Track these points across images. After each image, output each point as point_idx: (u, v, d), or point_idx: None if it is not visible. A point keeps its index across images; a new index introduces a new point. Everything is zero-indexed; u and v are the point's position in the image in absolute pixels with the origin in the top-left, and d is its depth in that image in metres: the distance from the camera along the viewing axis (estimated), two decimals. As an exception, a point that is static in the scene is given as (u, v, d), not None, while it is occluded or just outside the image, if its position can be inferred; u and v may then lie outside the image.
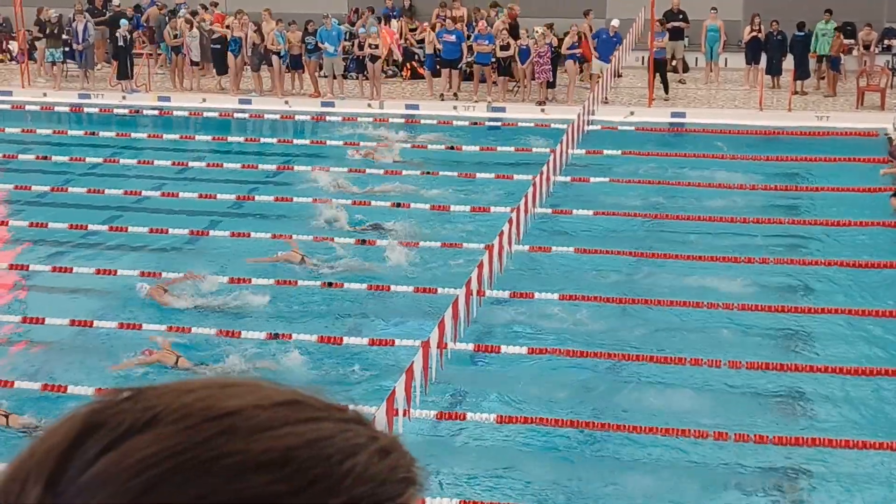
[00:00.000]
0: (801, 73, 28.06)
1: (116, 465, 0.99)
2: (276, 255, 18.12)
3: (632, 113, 26.67)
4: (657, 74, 27.41)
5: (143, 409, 1.03)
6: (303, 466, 1.02)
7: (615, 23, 27.83)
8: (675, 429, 12.86)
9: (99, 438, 1.01)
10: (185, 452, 1.00)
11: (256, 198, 20.87)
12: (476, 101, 27.75)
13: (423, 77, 29.07)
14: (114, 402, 1.05)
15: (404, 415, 11.92)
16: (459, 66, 28.35)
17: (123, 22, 28.98)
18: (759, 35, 28.28)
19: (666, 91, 27.75)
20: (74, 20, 28.86)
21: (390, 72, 29.56)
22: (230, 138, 24.61)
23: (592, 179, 21.44)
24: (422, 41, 29.40)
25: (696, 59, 30.06)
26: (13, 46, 31.07)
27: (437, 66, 28.44)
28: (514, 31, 28.38)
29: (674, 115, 26.86)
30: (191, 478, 0.99)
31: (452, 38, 28.04)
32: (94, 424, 1.02)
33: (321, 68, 28.59)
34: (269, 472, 1.01)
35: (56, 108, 27.48)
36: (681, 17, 28.95)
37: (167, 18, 29.95)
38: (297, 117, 26.69)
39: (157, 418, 1.02)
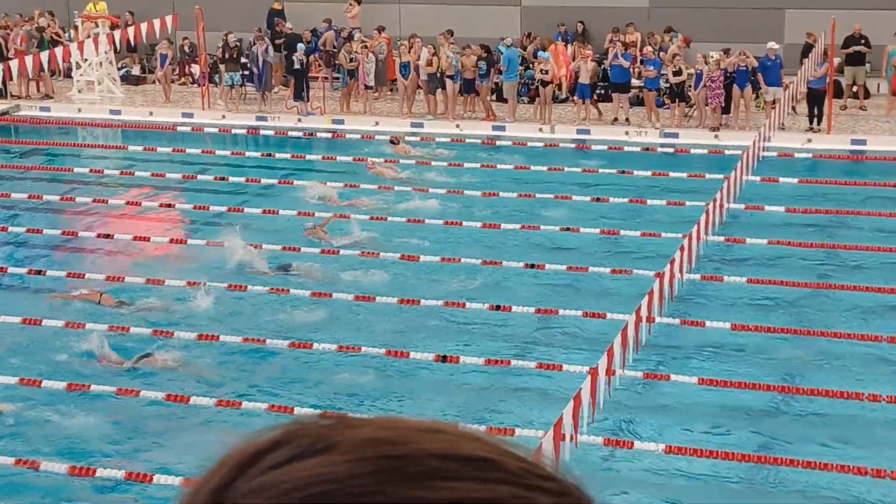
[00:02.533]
0: None
1: (276, 480, 1.04)
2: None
3: (809, 140, 26.06)
4: (818, 104, 26.67)
5: (328, 435, 1.07)
6: None
7: (772, 45, 27.20)
8: (850, 466, 12.45)
9: (279, 454, 1.06)
10: (337, 483, 1.02)
11: (426, 221, 20.99)
12: (648, 127, 27.50)
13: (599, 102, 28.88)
14: (313, 423, 1.10)
15: (571, 440, 11.83)
16: (629, 91, 28.18)
17: (300, 46, 29.59)
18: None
19: (809, 121, 26.78)
20: (255, 44, 29.58)
21: (562, 96, 29.47)
22: (402, 161, 24.84)
23: (767, 208, 21.01)
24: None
25: (878, 85, 29.25)
26: (195, 70, 32.00)
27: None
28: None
29: (854, 142, 26.15)
30: None
31: (626, 62, 27.87)
32: (282, 440, 1.07)
33: (495, 92, 28.67)
34: None
35: (234, 131, 28.18)
36: (862, 41, 28.21)
37: (343, 42, 30.49)
38: (467, 140, 26.81)
39: (336, 446, 1.05)
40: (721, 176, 21.11)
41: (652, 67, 27.61)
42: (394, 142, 26.05)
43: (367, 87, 29.31)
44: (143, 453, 13.54)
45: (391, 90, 30.33)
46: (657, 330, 15.87)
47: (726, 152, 24.43)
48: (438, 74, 28.62)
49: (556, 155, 25.63)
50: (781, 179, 22.56)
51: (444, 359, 15.32)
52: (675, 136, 26.92)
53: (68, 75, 32.29)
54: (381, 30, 30.64)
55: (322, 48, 31.21)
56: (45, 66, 29.29)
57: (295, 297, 17.63)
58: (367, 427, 1.07)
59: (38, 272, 18.74)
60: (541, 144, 26.27)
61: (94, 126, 29.50)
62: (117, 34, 30.43)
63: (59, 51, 29.40)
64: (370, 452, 1.04)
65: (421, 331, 16.75)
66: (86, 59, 31.18)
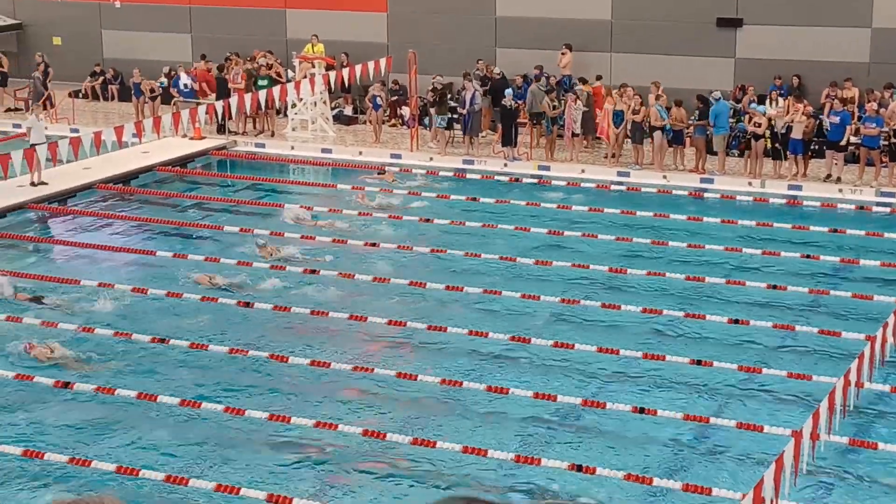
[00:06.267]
0: None
1: None
2: None
3: None
4: None
5: None
6: None
7: None
8: None
9: None
10: None
11: (629, 271, 20.76)
12: (862, 185, 26.64)
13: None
14: None
15: (771, 505, 11.44)
16: (844, 148, 27.35)
17: (508, 91, 29.75)
18: None
19: None
20: (464, 88, 29.89)
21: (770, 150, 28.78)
22: (606, 210, 24.65)
23: None
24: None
25: None
26: (405, 112, 32.50)
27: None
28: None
29: None
30: None
31: (837, 119, 27.07)
32: None
33: (708, 144, 28.18)
34: None
35: (441, 173, 28.43)
36: None
37: (551, 89, 30.50)
38: (674, 192, 26.48)
39: None
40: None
41: (873, 125, 26.75)
42: (381, 171, 28.25)
43: (574, 135, 29.25)
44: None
45: (597, 139, 30.19)
46: (866, 395, 15.30)
47: (945, 215, 23.57)
48: (646, 125, 28.38)
49: (764, 210, 25.06)
50: None
51: (641, 410, 15.06)
52: (892, 195, 26.02)
53: (284, 113, 33.27)
54: (583, 81, 30.52)
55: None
56: (263, 104, 30.18)
57: (494, 340, 17.64)
58: None
59: (247, 304, 19.23)
60: (749, 199, 25.74)
61: (306, 164, 30.20)
62: (332, 75, 31.16)
63: (276, 90, 30.26)
64: None
65: (619, 382, 16.56)
66: (301, 99, 32.04)
